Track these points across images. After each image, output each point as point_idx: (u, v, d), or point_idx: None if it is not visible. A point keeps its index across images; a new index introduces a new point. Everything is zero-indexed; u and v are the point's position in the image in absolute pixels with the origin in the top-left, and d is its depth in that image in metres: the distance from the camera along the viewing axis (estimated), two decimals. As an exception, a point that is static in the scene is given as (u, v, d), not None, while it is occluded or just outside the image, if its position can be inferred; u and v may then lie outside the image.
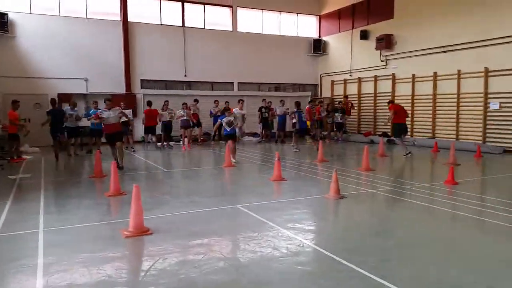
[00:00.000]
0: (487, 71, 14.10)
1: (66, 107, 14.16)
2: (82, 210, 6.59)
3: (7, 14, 15.60)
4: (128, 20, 18.11)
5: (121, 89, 18.15)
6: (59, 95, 16.14)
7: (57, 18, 16.96)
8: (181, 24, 19.39)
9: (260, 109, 18.34)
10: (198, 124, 17.54)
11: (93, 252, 4.57)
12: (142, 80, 18.68)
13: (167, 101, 16.56)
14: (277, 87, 21.97)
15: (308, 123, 18.08)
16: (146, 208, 5.66)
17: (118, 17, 18.07)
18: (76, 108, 14.29)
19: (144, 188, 8.00)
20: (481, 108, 14.35)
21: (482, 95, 14.30)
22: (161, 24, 19.02)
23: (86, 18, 17.51)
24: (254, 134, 19.66)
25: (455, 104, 15.19)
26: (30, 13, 16.47)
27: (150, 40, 18.61)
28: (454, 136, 15.18)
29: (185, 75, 19.51)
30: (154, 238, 5.07)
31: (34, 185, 8.68)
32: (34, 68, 16.60)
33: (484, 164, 11.62)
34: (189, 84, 19.81)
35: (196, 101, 17.69)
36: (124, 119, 11.45)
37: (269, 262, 4.27)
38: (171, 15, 19.25)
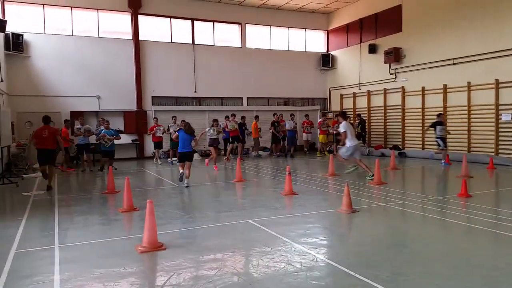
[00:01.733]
0: (497, 82, 14.05)
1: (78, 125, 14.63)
2: (96, 226, 6.66)
3: (22, 35, 16.02)
4: (140, 38, 18.47)
5: (132, 106, 18.41)
6: (72, 112, 16.43)
7: (70, 37, 17.37)
8: (191, 42, 19.71)
9: (273, 124, 18.45)
10: (236, 139, 17.09)
11: (109, 268, 4.62)
12: (153, 97, 18.94)
13: (174, 116, 16.67)
14: (286, 101, 22.10)
15: (321, 136, 18.24)
16: (159, 223, 5.70)
17: (129, 36, 18.44)
18: (84, 124, 14.89)
19: (155, 203, 8.09)
20: (493, 120, 14.25)
21: (493, 106, 14.22)
22: (171, 42, 19.35)
23: (98, 37, 17.90)
24: (264, 149, 19.73)
25: (466, 116, 15.11)
26: (44, 34, 16.90)
27: (161, 57, 18.92)
28: (466, 149, 15.06)
29: (195, 91, 19.75)
30: (168, 253, 5.10)
31: (48, 201, 8.79)
32: (48, 87, 16.95)
33: (497, 176, 11.49)
34: (199, 100, 20.02)
35: (233, 115, 17.43)
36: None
37: (283, 277, 4.27)
38: (181, 33, 19.60)
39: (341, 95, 21.64)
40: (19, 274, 4.52)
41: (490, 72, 14.22)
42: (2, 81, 14.17)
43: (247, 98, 21.03)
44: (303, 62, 22.07)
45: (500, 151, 14.13)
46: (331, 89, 22.49)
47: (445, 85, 15.92)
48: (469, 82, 14.98)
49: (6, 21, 14.38)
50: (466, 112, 15.12)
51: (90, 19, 17.76)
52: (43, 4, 16.80)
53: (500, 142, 14.16)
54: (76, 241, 5.76)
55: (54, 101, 16.99)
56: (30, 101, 16.44)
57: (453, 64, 15.57)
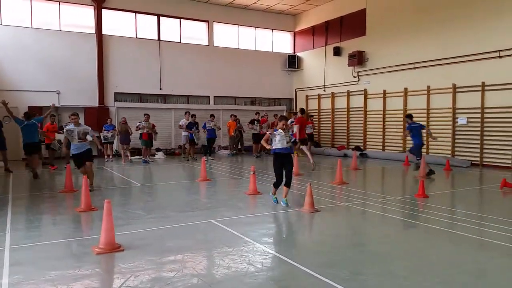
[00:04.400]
0: (455, 87, 14.63)
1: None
2: (52, 227, 6.40)
3: (-25, 24, 15.22)
4: (103, 33, 17.96)
5: (94, 102, 17.88)
6: (30, 107, 15.75)
7: (29, 30, 16.65)
8: (156, 38, 19.36)
9: (252, 122, 18.43)
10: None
11: (63, 270, 4.44)
12: (116, 93, 18.46)
13: (146, 114, 16.16)
14: (253, 101, 22.13)
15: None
16: (117, 224, 5.54)
17: (92, 30, 17.89)
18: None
19: (115, 203, 7.88)
20: (450, 123, 14.83)
21: (450, 110, 14.79)
22: (136, 38, 18.93)
23: (60, 30, 17.26)
24: (226, 148, 19.68)
25: (425, 119, 15.63)
26: (1, 24, 16.11)
27: (125, 53, 18.47)
28: (424, 151, 15.57)
29: (160, 88, 19.42)
30: (126, 255, 4.96)
31: (1, 200, 8.38)
32: (4, 80, 16.18)
33: (453, 177, 11.95)
34: (164, 98, 19.70)
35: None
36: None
37: (243, 278, 4.25)
38: (147, 29, 19.22)
39: (307, 96, 21.89)
40: (-36, 277, 4.27)
41: (448, 77, 14.78)
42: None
43: (214, 97, 20.89)
44: (270, 63, 22.17)
45: (456, 153, 14.72)
46: (297, 90, 22.71)
47: (405, 89, 16.42)
48: (428, 86, 15.52)
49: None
50: (425, 115, 15.64)
51: (51, 11, 17.09)
52: (0, -6, 16.03)
53: (456, 145, 14.76)
54: (29, 242, 5.51)
55: (10, 95, 16.11)
56: (-16, 95, 15.62)
57: (414, 68, 16.08)
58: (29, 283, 4.11)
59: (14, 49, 16.31)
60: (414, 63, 16.03)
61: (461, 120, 14.53)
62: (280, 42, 22.78)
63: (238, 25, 21.36)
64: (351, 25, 19.11)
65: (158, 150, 18.23)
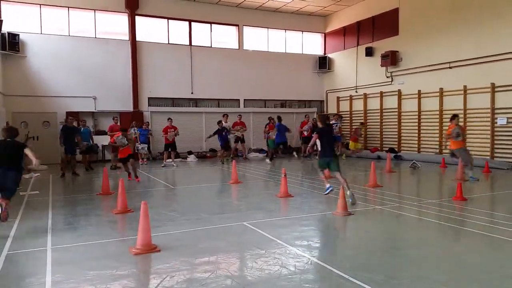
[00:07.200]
0: (493, 86, 14.10)
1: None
2: (90, 228, 6.61)
3: (18, 35, 15.95)
4: (137, 39, 18.43)
5: (128, 107, 18.35)
6: (67, 113, 16.36)
7: (67, 38, 17.31)
8: (188, 43, 19.69)
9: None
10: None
11: (101, 270, 4.58)
12: (149, 98, 18.89)
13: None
14: (283, 103, 22.10)
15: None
16: (153, 225, 5.67)
17: (126, 37, 18.40)
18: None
19: (150, 205, 8.04)
20: (489, 123, 14.29)
21: (489, 110, 14.26)
22: (168, 43, 19.32)
23: (95, 37, 17.85)
24: (261, 151, 19.72)
25: (462, 120, 15.13)
26: (41, 34, 16.83)
27: (157, 58, 18.89)
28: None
29: (192, 93, 19.72)
30: (161, 256, 5.07)
31: (42, 202, 8.73)
32: (44, 87, 16.88)
33: (493, 180, 11.51)
34: (195, 102, 19.99)
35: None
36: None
37: (277, 280, 4.25)
38: (179, 34, 19.58)
39: (338, 97, 21.66)
40: (10, 275, 4.48)
41: (486, 76, 14.27)
42: (-3, 81, 14.11)
43: (244, 100, 21.02)
44: (300, 65, 22.09)
45: (495, 155, 14.16)
46: (327, 91, 22.51)
47: (441, 89, 15.96)
48: (465, 86, 15.02)
49: (2, 20, 14.33)
50: (462, 115, 15.13)
51: (87, 19, 17.72)
52: (40, 4, 16.73)
53: (496, 146, 14.20)
54: (69, 243, 5.71)
55: (49, 101, 16.91)
56: (25, 101, 16.37)
57: (449, 67, 15.61)
58: (70, 282, 4.26)
59: (53, 57, 16.99)
60: (449, 62, 15.56)
61: (501, 120, 13.97)
62: (310, 43, 22.66)
63: (267, 28, 21.41)
64: (384, 24, 18.79)
65: (190, 153, 18.50)
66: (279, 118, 17.74)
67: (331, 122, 18.19)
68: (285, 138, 17.72)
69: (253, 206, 8.10)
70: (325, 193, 8.59)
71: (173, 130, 16.02)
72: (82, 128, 14.46)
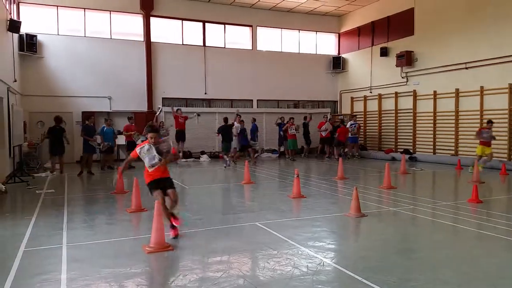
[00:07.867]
0: (511, 87, 13.84)
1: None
2: (105, 226, 6.70)
3: (36, 36, 16.24)
4: (151, 40, 18.60)
5: (143, 107, 18.52)
6: (83, 113, 16.59)
7: (83, 38, 17.57)
8: (202, 44, 19.79)
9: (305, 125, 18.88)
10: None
11: (115, 268, 4.64)
12: (163, 98, 19.04)
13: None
14: (297, 104, 22.05)
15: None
16: (166, 224, 5.71)
17: (141, 38, 18.59)
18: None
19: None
20: (506, 125, 14.04)
21: (506, 111, 14.01)
22: (183, 44, 19.46)
23: (110, 38, 18.07)
24: (273, 151, 19.72)
25: (478, 121, 14.91)
26: (58, 35, 17.12)
27: (172, 59, 19.03)
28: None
29: (205, 93, 19.82)
30: (174, 254, 5.11)
31: (58, 200, 8.87)
32: (60, 87, 17.16)
33: (509, 182, 11.30)
34: (209, 102, 20.08)
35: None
36: None
37: (289, 281, 4.24)
38: (193, 35, 19.70)
39: (352, 98, 21.53)
40: (27, 272, 4.56)
41: (503, 77, 14.02)
42: (15, 81, 14.38)
43: (257, 100, 21.04)
44: (313, 65, 22.02)
45: (513, 156, 13.92)
46: (341, 92, 22.39)
47: (457, 89, 15.74)
48: (482, 87, 14.79)
49: (20, 22, 14.62)
50: (479, 117, 14.91)
51: (102, 20, 17.96)
52: (57, 6, 17.02)
53: (513, 148, 13.95)
54: (84, 241, 5.79)
55: (66, 101, 17.18)
56: (42, 101, 16.66)
57: (466, 68, 15.38)
58: (85, 279, 4.32)
59: (69, 58, 17.27)
60: (465, 63, 15.34)
61: (519, 121, 13.71)
62: (324, 44, 22.57)
63: (281, 28, 21.40)
64: (399, 25, 18.61)
65: (202, 153, 18.59)
66: (253, 119, 17.97)
67: (349, 123, 18.16)
68: (247, 141, 16.58)
69: (265, 207, 8.10)
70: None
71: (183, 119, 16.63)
72: (106, 128, 14.55)
